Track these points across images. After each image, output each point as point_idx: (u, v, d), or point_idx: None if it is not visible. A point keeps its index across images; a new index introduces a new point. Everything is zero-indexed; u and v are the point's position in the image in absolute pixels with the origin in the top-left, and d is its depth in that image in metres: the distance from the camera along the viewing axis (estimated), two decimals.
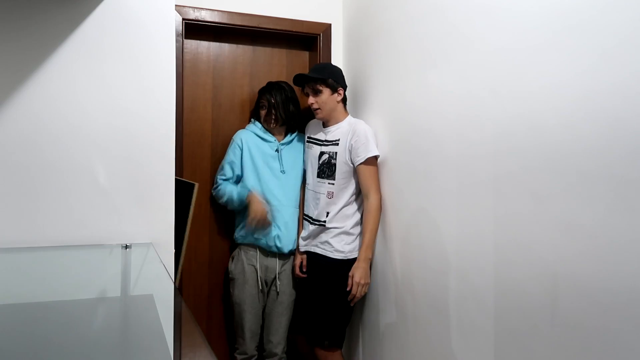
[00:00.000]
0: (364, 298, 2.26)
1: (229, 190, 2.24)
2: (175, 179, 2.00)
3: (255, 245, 2.25)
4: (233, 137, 2.30)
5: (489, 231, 1.46)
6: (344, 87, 2.20)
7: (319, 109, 2.16)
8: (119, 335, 1.07)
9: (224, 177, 2.28)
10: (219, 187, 2.28)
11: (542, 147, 1.27)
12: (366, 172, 2.07)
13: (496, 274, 1.44)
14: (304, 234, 2.26)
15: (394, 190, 2.02)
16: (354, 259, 2.10)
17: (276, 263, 2.26)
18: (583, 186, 1.15)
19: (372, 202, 2.07)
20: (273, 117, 2.27)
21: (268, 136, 2.29)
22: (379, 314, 2.14)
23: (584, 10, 1.15)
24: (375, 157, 2.09)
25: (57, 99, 1.79)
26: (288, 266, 2.30)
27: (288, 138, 2.33)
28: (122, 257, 1.74)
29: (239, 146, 2.26)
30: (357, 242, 2.14)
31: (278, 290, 2.27)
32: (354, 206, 2.15)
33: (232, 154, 2.27)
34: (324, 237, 2.15)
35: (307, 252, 2.23)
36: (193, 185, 1.93)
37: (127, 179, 1.90)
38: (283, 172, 2.27)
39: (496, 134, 1.44)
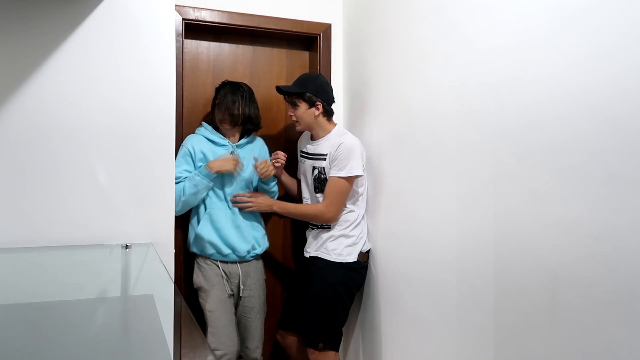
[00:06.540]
0: (361, 298, 2.26)
1: (186, 185, 2.08)
2: None
3: (213, 256, 2.16)
4: (183, 143, 2.18)
5: (488, 230, 1.46)
6: (327, 101, 2.15)
7: (296, 121, 2.18)
8: (119, 335, 1.07)
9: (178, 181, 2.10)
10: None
11: (542, 147, 1.27)
12: (334, 184, 2.08)
13: (496, 273, 1.44)
14: (308, 241, 2.25)
15: (394, 190, 2.02)
16: (352, 263, 2.10)
17: (238, 268, 2.19)
18: (583, 186, 1.15)
19: (321, 208, 2.09)
20: (228, 117, 2.17)
21: (219, 139, 2.19)
22: (379, 313, 2.14)
23: (584, 9, 1.15)
24: (350, 177, 2.08)
25: (57, 98, 1.79)
26: (252, 270, 2.24)
27: (243, 140, 2.24)
28: (122, 257, 1.74)
29: (189, 152, 2.14)
30: (354, 246, 2.13)
31: (242, 295, 2.19)
32: (354, 212, 2.15)
33: (183, 161, 2.13)
34: (322, 240, 2.15)
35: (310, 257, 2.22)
36: None
37: (127, 178, 1.90)
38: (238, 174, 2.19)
39: (496, 133, 1.44)
